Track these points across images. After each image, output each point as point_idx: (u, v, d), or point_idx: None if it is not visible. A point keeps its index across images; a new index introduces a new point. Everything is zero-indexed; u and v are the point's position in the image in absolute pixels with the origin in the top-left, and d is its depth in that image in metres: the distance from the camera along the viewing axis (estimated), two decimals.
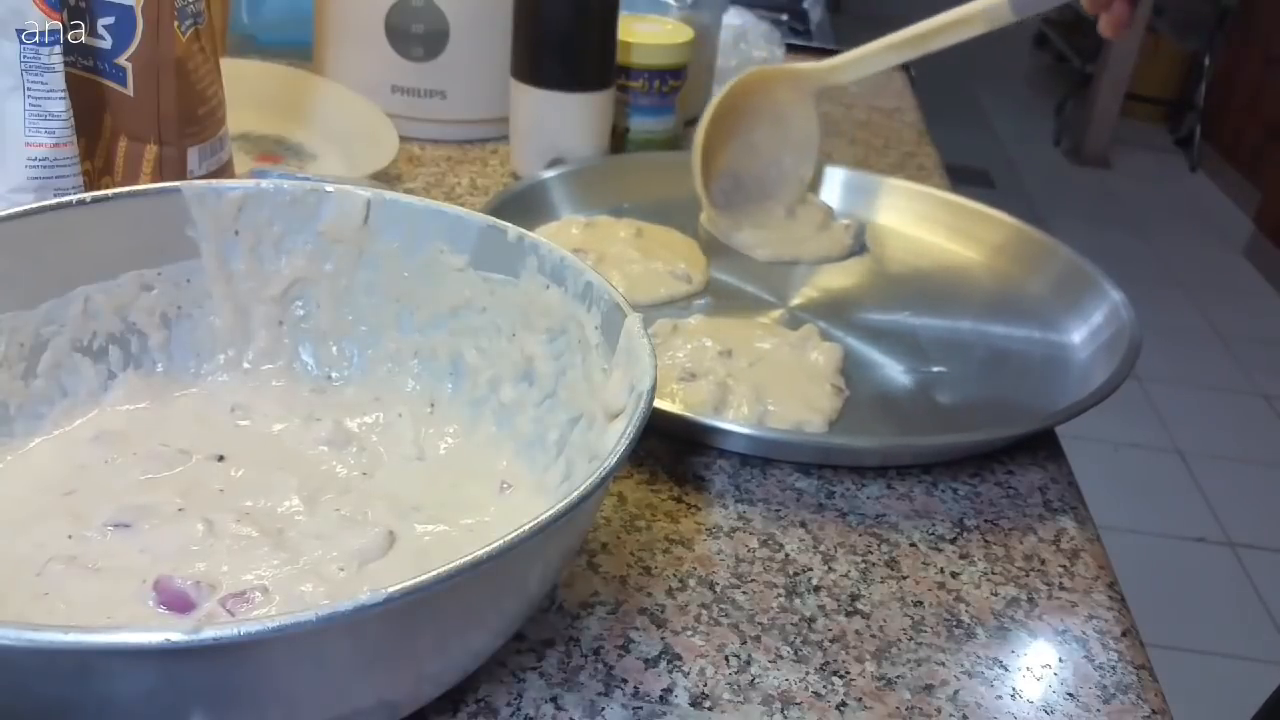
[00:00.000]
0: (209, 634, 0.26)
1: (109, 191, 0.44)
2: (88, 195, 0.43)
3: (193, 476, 0.43)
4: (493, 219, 0.47)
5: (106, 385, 0.46)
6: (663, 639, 0.42)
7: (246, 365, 0.49)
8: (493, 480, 0.45)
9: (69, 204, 0.43)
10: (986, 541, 0.49)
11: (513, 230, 0.46)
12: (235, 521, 0.40)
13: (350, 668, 0.30)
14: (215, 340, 0.48)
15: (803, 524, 0.49)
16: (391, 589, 0.27)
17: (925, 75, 1.23)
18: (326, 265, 0.48)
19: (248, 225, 0.47)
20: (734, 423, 0.52)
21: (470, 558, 0.29)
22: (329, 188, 0.47)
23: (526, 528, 0.30)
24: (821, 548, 0.48)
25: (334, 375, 0.49)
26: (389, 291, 0.49)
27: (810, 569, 0.46)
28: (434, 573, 0.28)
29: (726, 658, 0.41)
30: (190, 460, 0.43)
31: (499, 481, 0.44)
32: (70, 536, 0.39)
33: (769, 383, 0.56)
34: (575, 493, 0.32)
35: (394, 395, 0.49)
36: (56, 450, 0.43)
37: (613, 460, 0.34)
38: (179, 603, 0.36)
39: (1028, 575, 0.48)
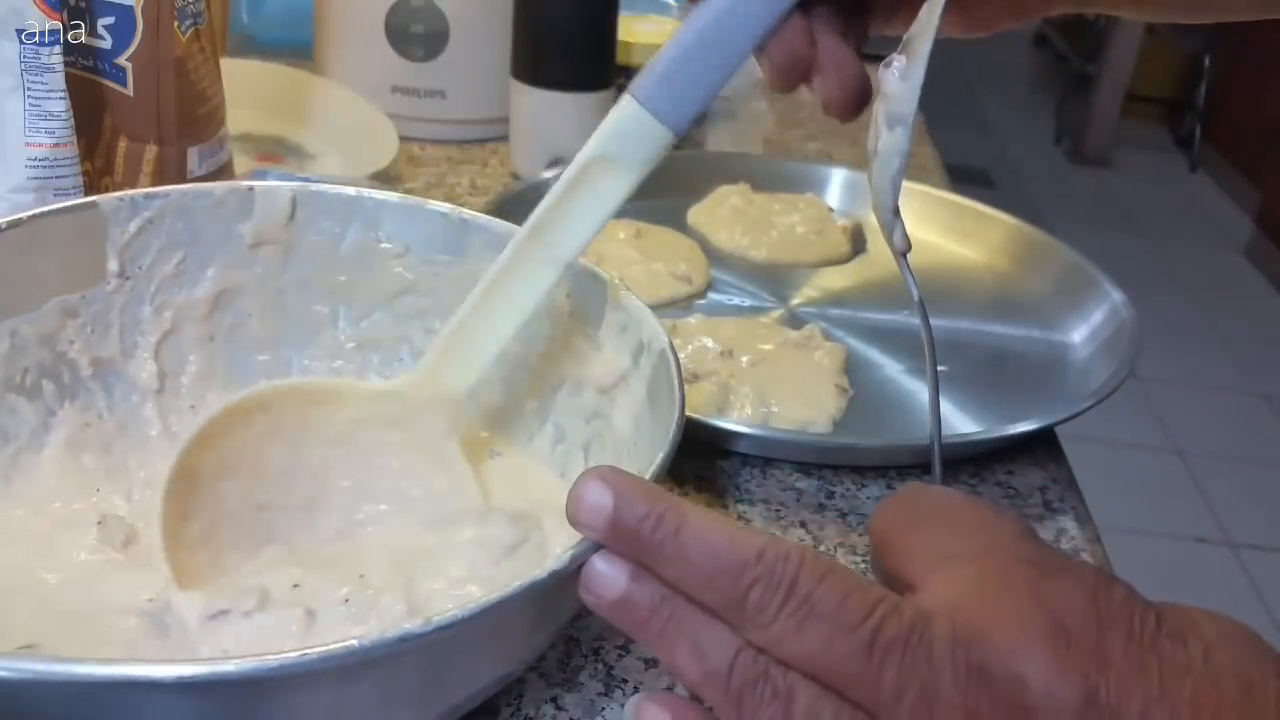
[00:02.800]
0: (214, 669, 0.25)
1: (23, 215, 0.41)
2: (2, 221, 0.41)
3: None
4: (433, 202, 0.46)
5: (47, 424, 0.43)
6: None
7: (184, 389, 0.46)
8: (480, 450, 0.44)
9: None
10: None
11: (454, 211, 0.46)
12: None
13: (373, 706, 0.30)
14: (150, 363, 0.45)
15: (803, 524, 0.49)
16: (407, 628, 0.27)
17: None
18: (254, 266, 0.46)
19: (170, 234, 0.45)
20: (736, 422, 0.52)
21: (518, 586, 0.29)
22: (250, 186, 0.46)
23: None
24: (821, 548, 0.48)
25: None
26: (323, 287, 0.47)
27: None
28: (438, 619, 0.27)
29: None
30: None
31: (486, 451, 0.44)
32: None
33: (772, 383, 0.56)
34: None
35: None
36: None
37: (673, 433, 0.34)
38: None
39: None
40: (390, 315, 0.47)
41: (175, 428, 0.45)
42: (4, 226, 0.40)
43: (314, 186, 0.46)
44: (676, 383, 0.38)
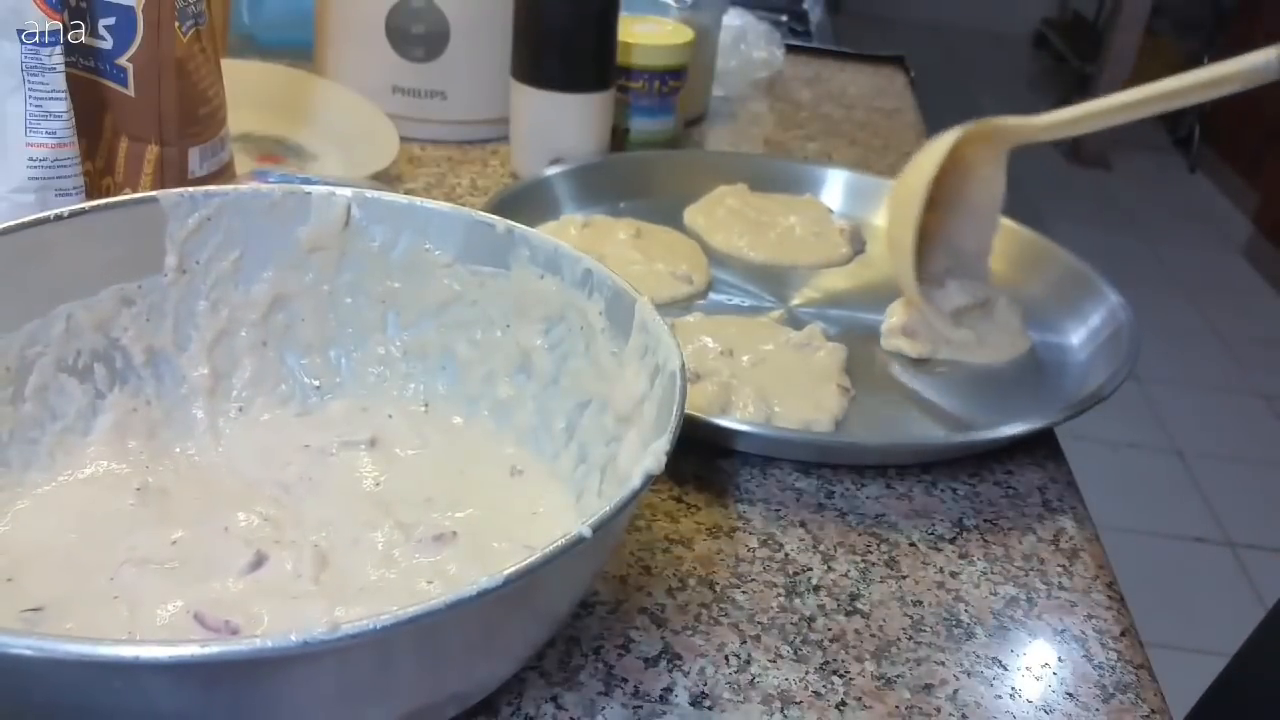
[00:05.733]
0: (209, 650, 0.25)
1: (85, 205, 0.43)
2: (65, 210, 0.42)
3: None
4: (480, 213, 0.46)
5: (95, 406, 0.44)
6: (663, 638, 0.42)
7: (235, 391, 0.47)
8: (503, 466, 0.45)
9: (46, 219, 0.41)
10: (986, 541, 0.49)
11: (501, 223, 0.46)
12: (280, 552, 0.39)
13: (368, 692, 0.30)
14: (203, 365, 0.46)
15: (803, 524, 0.49)
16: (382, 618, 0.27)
17: (925, 75, 1.23)
18: (308, 271, 0.47)
19: (227, 232, 0.46)
20: (737, 421, 0.52)
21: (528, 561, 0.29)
22: (308, 190, 0.46)
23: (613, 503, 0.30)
24: (821, 547, 0.48)
25: (322, 384, 0.48)
26: (374, 293, 0.48)
27: (810, 569, 0.47)
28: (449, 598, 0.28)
29: (726, 657, 0.41)
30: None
31: (509, 468, 0.45)
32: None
33: (773, 383, 0.56)
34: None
35: (386, 398, 0.48)
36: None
37: (666, 441, 0.34)
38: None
39: (1027, 575, 0.48)
40: (436, 324, 0.48)
41: (221, 425, 0.46)
42: (66, 215, 0.42)
43: (369, 193, 0.47)
44: (679, 384, 0.38)
